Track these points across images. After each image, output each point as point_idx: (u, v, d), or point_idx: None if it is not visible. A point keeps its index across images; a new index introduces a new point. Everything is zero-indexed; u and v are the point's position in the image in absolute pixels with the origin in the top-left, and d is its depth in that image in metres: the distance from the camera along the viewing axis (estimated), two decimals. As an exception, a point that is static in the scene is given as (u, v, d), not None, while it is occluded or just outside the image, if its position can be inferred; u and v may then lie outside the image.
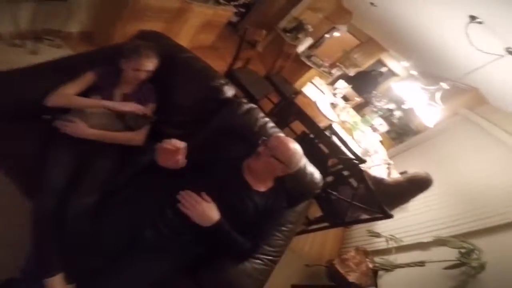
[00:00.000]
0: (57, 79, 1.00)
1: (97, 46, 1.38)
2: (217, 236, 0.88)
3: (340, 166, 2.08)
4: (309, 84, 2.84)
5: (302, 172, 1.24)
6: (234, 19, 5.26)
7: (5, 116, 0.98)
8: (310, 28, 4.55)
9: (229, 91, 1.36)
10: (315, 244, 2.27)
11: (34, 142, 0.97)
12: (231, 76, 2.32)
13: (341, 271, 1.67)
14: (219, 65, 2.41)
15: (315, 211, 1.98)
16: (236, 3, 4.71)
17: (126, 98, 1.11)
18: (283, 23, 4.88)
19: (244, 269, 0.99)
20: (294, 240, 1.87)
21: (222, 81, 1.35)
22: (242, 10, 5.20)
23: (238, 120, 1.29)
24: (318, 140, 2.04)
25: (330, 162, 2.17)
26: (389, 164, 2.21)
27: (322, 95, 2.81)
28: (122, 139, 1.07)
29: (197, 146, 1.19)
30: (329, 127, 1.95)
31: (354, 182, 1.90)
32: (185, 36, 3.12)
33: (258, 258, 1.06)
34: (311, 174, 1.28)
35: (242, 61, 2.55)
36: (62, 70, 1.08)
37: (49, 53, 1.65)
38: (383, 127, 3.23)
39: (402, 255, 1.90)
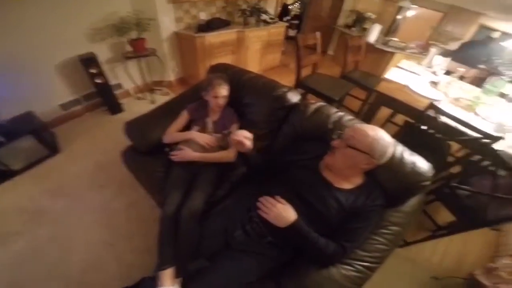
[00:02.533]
0: (167, 119, 1.47)
1: (190, 86, 1.92)
2: (296, 237, 0.90)
3: (468, 152, 1.69)
4: (393, 69, 2.49)
5: (398, 162, 1.06)
6: (293, 33, 5.52)
7: (143, 151, 1.48)
8: (372, 15, 4.45)
9: (294, 97, 1.40)
10: (450, 254, 1.82)
11: (161, 167, 1.41)
12: (302, 86, 2.39)
13: (486, 283, 1.40)
14: (293, 79, 2.54)
15: (447, 215, 1.64)
16: (288, 17, 5.00)
17: (215, 124, 1.42)
18: (342, 20, 4.93)
19: (329, 275, 0.93)
20: (416, 249, 1.74)
21: (284, 89, 1.41)
22: (296, 22, 5.40)
23: (307, 122, 1.27)
24: (424, 126, 1.75)
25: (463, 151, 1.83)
26: None
27: (416, 76, 2.41)
28: (218, 158, 1.34)
29: (276, 154, 1.34)
30: (431, 107, 1.57)
31: (499, 171, 1.46)
32: (254, 61, 3.60)
33: (348, 264, 0.97)
34: (413, 164, 1.05)
35: (310, 68, 2.60)
36: (168, 112, 1.56)
37: (162, 100, 2.27)
38: None
39: None
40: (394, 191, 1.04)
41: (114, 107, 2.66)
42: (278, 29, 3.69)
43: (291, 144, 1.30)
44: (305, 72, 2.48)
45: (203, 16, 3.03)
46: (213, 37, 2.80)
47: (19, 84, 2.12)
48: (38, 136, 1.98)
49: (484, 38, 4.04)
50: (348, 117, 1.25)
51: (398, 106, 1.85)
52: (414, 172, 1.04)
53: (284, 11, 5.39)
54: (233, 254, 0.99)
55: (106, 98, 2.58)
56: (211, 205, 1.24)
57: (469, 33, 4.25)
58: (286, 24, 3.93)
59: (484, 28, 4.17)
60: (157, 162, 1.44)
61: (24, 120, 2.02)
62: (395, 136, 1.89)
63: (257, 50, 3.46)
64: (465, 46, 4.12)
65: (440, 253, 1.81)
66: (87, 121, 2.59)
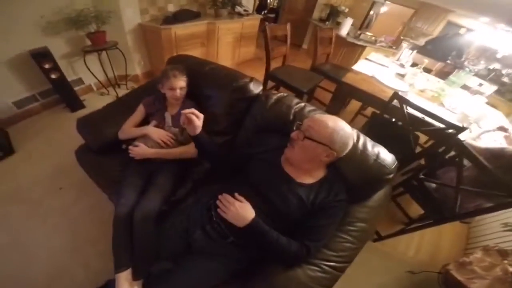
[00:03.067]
0: (123, 114, 1.37)
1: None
2: (255, 237, 0.84)
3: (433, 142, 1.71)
4: (362, 60, 2.51)
5: (360, 154, 1.02)
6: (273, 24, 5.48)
7: (97, 150, 1.37)
8: (345, 9, 4.52)
9: (256, 88, 1.34)
10: (424, 247, 1.82)
11: (118, 166, 1.31)
12: (272, 78, 2.35)
13: (460, 278, 1.34)
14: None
15: (419, 207, 1.64)
16: (265, 11, 4.97)
17: (174, 118, 1.32)
18: (317, 14, 4.94)
19: (295, 276, 0.87)
20: (391, 242, 1.70)
21: (246, 80, 1.33)
22: (272, 15, 5.36)
23: (269, 113, 1.21)
24: (390, 116, 1.76)
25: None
26: (506, 130, 1.60)
27: (383, 68, 2.44)
28: (177, 153, 1.26)
29: (238, 148, 1.29)
30: (395, 96, 1.56)
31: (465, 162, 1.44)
32: (226, 54, 3.45)
33: (314, 264, 0.91)
34: (376, 156, 1.02)
35: (277, 61, 2.51)
36: (125, 107, 1.45)
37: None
38: (487, 88, 2.51)
39: None
40: (358, 184, 1.00)
41: (74, 104, 2.48)
42: (253, 22, 3.61)
43: (252, 137, 1.24)
44: (277, 64, 2.43)
45: (171, 7, 2.89)
46: (180, 29, 2.66)
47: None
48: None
49: (451, 34, 4.25)
50: (310, 107, 1.20)
51: (363, 96, 1.84)
52: (378, 164, 1.00)
53: (261, 5, 5.32)
54: (195, 257, 0.94)
55: (64, 95, 2.40)
56: (172, 204, 1.16)
57: (438, 29, 4.41)
58: (261, 16, 3.86)
59: (452, 24, 4.34)
60: (114, 161, 1.33)
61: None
62: (363, 127, 1.92)
63: (229, 42, 3.36)
64: (434, 41, 4.32)
65: (414, 246, 1.81)
66: (45, 120, 2.39)
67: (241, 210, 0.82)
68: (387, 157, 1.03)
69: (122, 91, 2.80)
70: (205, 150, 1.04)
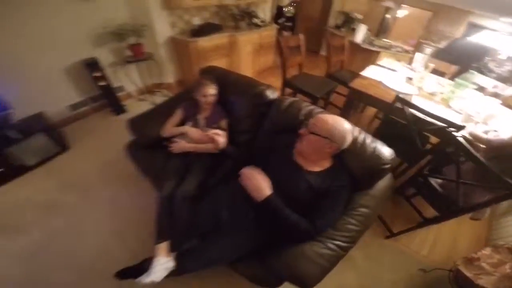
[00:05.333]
0: (164, 116, 1.60)
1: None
2: (271, 212, 0.98)
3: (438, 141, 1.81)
4: (371, 66, 2.61)
5: (360, 147, 1.20)
6: (287, 34, 5.63)
7: (146, 146, 1.64)
8: (359, 16, 4.56)
9: (272, 94, 1.55)
10: (439, 247, 1.83)
11: (160, 158, 1.54)
12: (289, 85, 2.53)
13: (467, 274, 1.35)
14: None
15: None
16: (283, 19, 5.12)
17: (207, 120, 1.57)
18: (332, 21, 5.04)
19: (303, 251, 1.00)
20: (405, 241, 1.79)
21: (263, 87, 1.55)
22: (289, 24, 5.52)
23: (283, 115, 1.42)
24: (395, 117, 1.87)
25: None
26: None
27: (392, 73, 2.53)
28: (208, 148, 1.45)
29: (258, 147, 1.51)
30: (397, 100, 1.69)
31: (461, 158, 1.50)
32: (246, 64, 3.66)
33: (320, 242, 1.05)
34: (373, 148, 1.19)
35: (294, 68, 2.71)
36: (165, 110, 1.68)
37: (162, 101, 2.28)
38: (504, 89, 2.48)
39: None
40: (359, 173, 1.17)
41: (118, 108, 2.80)
42: (269, 32, 3.81)
43: (269, 138, 1.43)
44: (294, 71, 2.61)
45: (196, 21, 3.13)
46: (205, 42, 2.89)
47: (31, 87, 2.25)
48: (49, 134, 2.12)
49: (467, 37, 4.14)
50: (317, 110, 1.39)
51: (371, 100, 1.97)
52: (375, 156, 1.17)
53: (278, 13, 5.49)
54: (222, 233, 1.10)
55: (110, 100, 2.71)
56: (205, 190, 1.35)
57: (458, 31, 4.26)
58: (277, 26, 4.04)
59: (473, 26, 4.18)
60: (157, 154, 1.57)
61: (37, 120, 2.16)
62: (376, 129, 2.03)
63: (249, 52, 3.56)
64: (453, 45, 4.22)
65: (429, 245, 1.82)
66: (94, 121, 2.71)
67: (261, 184, 0.99)
68: (384, 150, 1.19)
69: (157, 98, 3.12)
70: (232, 158, 1.30)
